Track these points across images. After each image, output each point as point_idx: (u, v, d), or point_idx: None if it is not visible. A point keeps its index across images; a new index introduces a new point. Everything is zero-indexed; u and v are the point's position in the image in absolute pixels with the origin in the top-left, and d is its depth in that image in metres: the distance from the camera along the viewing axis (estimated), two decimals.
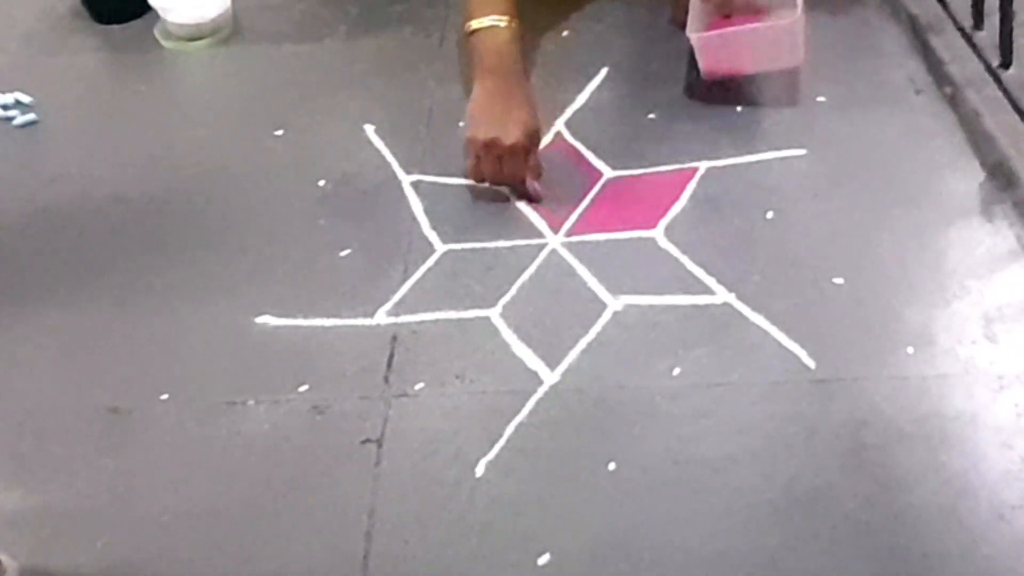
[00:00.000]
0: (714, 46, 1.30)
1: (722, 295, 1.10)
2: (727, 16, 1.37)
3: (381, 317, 1.12)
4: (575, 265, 1.16)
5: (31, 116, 1.48)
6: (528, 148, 1.22)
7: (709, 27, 1.34)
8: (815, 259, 1.12)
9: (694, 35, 1.29)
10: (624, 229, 1.19)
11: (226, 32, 1.63)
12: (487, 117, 1.23)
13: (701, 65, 1.32)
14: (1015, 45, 1.25)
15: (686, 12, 1.33)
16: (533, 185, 1.24)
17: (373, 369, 1.07)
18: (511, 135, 1.20)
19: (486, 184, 1.25)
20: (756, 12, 1.35)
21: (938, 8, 1.41)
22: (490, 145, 1.21)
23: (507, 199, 1.25)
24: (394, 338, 1.10)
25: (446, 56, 1.52)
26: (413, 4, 1.64)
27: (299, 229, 1.25)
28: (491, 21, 1.29)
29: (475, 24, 1.29)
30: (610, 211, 1.22)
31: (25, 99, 1.51)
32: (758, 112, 1.33)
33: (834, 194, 1.20)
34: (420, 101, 1.43)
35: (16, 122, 1.47)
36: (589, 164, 1.29)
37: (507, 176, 1.23)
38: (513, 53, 1.29)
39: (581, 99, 1.39)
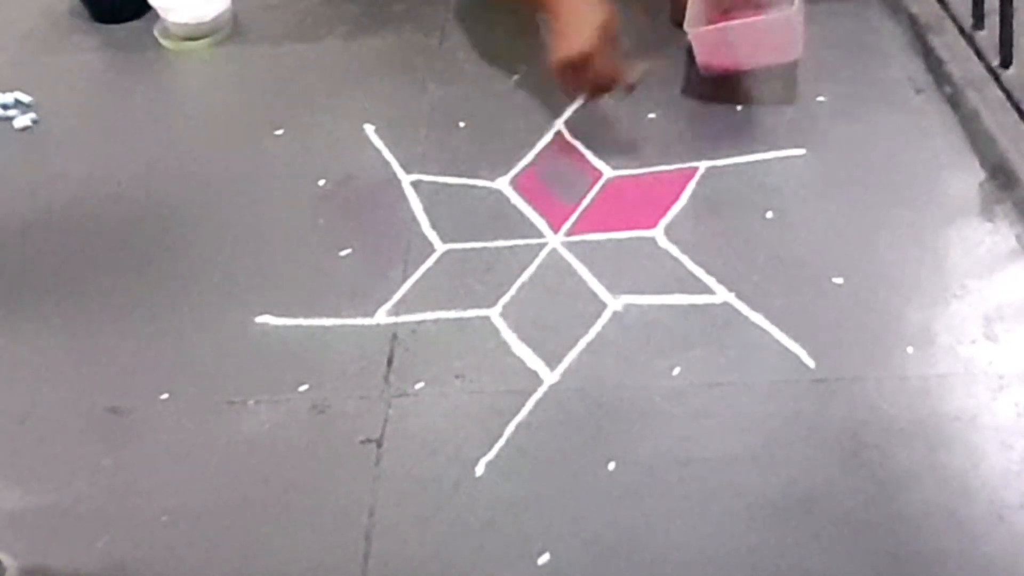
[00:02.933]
0: (711, 41, 1.30)
1: (722, 295, 1.10)
2: (725, 11, 1.37)
3: (381, 317, 1.12)
4: (575, 265, 1.16)
5: (31, 116, 1.48)
6: (600, 47, 1.19)
7: (707, 22, 1.34)
8: (815, 259, 1.12)
9: (691, 30, 1.29)
10: (624, 229, 1.19)
11: (226, 32, 1.63)
12: (557, 35, 1.22)
13: (698, 59, 1.32)
14: (1015, 45, 1.25)
15: (684, 12, 1.33)
16: (631, 78, 1.22)
17: (373, 369, 1.07)
18: (581, 43, 1.19)
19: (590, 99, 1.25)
20: (755, 7, 1.35)
21: (938, 8, 1.41)
22: (566, 63, 1.20)
23: (505, 198, 1.25)
24: (394, 338, 1.10)
25: (446, 56, 1.52)
26: (413, 4, 1.64)
27: (299, 229, 1.25)
28: None
29: None
30: (610, 211, 1.22)
31: (25, 99, 1.51)
32: (758, 112, 1.33)
33: (834, 194, 1.20)
34: (420, 101, 1.43)
35: (17, 124, 1.47)
36: (589, 164, 1.29)
37: (596, 85, 1.22)
38: None
39: (581, 99, 1.39)
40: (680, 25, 1.32)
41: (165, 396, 1.07)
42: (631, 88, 1.25)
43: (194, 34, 1.61)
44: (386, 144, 1.36)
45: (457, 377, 1.05)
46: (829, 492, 0.91)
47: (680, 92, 1.37)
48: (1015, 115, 1.21)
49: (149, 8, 1.64)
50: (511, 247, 1.19)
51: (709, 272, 1.12)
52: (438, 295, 1.14)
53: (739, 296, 1.09)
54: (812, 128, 1.29)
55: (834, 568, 0.86)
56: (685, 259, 1.14)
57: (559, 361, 1.05)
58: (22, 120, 1.47)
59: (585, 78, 1.22)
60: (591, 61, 1.20)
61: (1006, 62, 1.26)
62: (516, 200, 1.25)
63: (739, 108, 1.34)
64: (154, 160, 1.39)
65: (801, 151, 1.26)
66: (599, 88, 1.26)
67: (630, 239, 1.18)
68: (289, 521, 0.94)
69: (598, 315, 1.09)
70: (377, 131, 1.39)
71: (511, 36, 1.51)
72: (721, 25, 1.31)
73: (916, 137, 1.26)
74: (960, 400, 0.97)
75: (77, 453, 1.02)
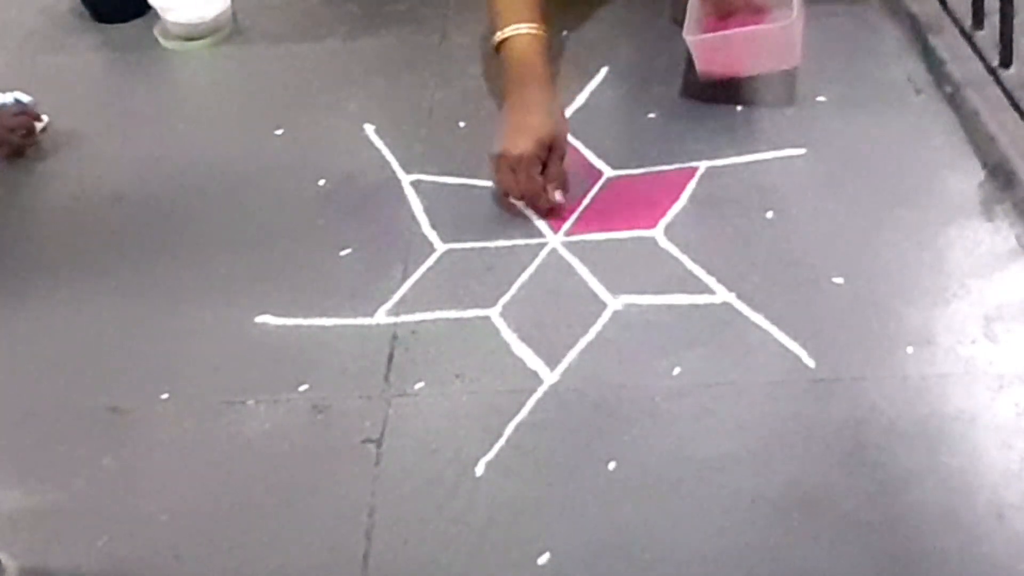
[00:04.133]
0: (710, 48, 1.30)
1: (722, 294, 1.10)
2: (725, 17, 1.37)
3: (381, 317, 1.12)
4: (575, 265, 1.16)
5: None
6: (537, 156, 1.18)
7: (707, 28, 1.34)
8: (815, 259, 1.12)
9: (690, 37, 1.29)
10: (624, 229, 1.19)
11: (226, 32, 1.63)
12: (501, 129, 1.21)
13: (697, 67, 1.32)
14: (1015, 45, 1.25)
15: (685, 11, 1.33)
16: (552, 196, 1.20)
17: (373, 369, 1.07)
18: (518, 145, 1.18)
19: (511, 199, 1.22)
20: (755, 12, 1.35)
21: (938, 8, 1.41)
22: (501, 158, 1.19)
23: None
24: (394, 337, 1.10)
25: (446, 56, 1.52)
26: (413, 4, 1.64)
27: (299, 229, 1.25)
28: (513, 30, 1.27)
29: (499, 35, 1.28)
30: (610, 211, 1.22)
31: (25, 98, 1.50)
32: (758, 112, 1.33)
33: (834, 194, 1.20)
34: (420, 101, 1.43)
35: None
36: (589, 164, 1.29)
37: (524, 187, 1.20)
38: (535, 61, 1.26)
39: (581, 99, 1.39)
40: (680, 24, 1.32)
41: (165, 396, 1.07)
42: (550, 211, 1.21)
43: (194, 34, 1.61)
44: (386, 144, 1.36)
45: (457, 377, 1.05)
46: (829, 492, 0.91)
47: (680, 92, 1.37)
48: (1015, 115, 1.21)
49: (149, 8, 1.64)
50: (511, 247, 1.19)
51: (709, 272, 1.12)
52: (438, 295, 1.14)
53: (739, 296, 1.09)
54: (812, 128, 1.29)
55: (834, 568, 0.86)
56: (685, 259, 1.14)
57: (559, 361, 1.05)
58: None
59: (509, 180, 1.20)
60: (520, 167, 1.18)
61: (1006, 62, 1.26)
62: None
63: (739, 108, 1.34)
64: (154, 160, 1.39)
65: (801, 151, 1.26)
66: (518, 194, 1.21)
67: (630, 239, 1.18)
68: (289, 521, 0.94)
69: (598, 315, 1.09)
70: (377, 131, 1.39)
71: None
72: (720, 34, 1.31)
73: (916, 137, 1.26)
74: (960, 400, 0.97)
75: (77, 453, 1.02)
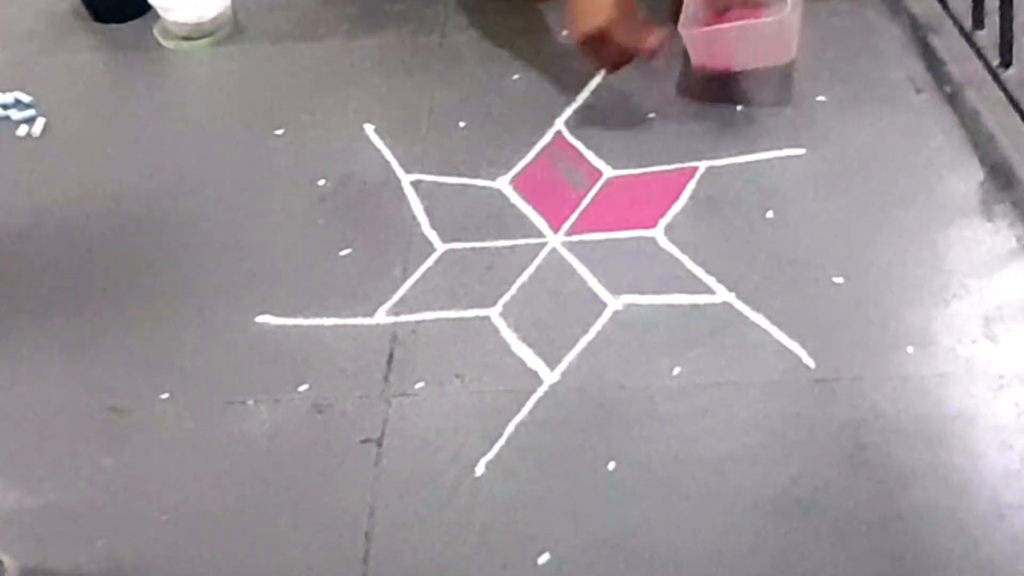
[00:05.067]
0: (704, 41, 1.31)
1: (722, 294, 1.10)
2: (722, 12, 1.37)
3: (381, 316, 1.12)
4: (575, 265, 1.16)
5: (30, 113, 1.48)
6: (615, 19, 1.21)
7: (703, 22, 1.34)
8: (815, 259, 1.12)
9: (684, 31, 1.29)
10: (624, 228, 1.19)
11: (226, 31, 1.63)
12: (571, 11, 1.24)
13: (692, 60, 1.32)
14: (1015, 45, 1.25)
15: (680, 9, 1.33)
16: (651, 41, 1.23)
17: (373, 368, 1.07)
18: (596, 18, 1.21)
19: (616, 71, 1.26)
20: (751, 7, 1.35)
21: (938, 8, 1.41)
22: (586, 38, 1.22)
23: (505, 198, 1.25)
24: (394, 337, 1.10)
25: (446, 56, 1.52)
26: (413, 4, 1.64)
27: (299, 229, 1.25)
28: None
29: None
30: (610, 210, 1.22)
31: (25, 98, 1.51)
32: (758, 112, 1.33)
33: (834, 194, 1.20)
34: (420, 101, 1.43)
35: (19, 132, 1.47)
36: (589, 164, 1.29)
37: (618, 56, 1.24)
38: None
39: (581, 99, 1.39)
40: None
41: (165, 396, 1.07)
42: (652, 55, 1.26)
43: (194, 34, 1.61)
44: (386, 144, 1.36)
45: (457, 377, 1.05)
46: (829, 492, 0.91)
47: (680, 92, 1.37)
48: (1015, 115, 1.21)
49: (149, 8, 1.63)
50: (511, 247, 1.19)
51: (709, 272, 1.12)
52: (438, 295, 1.14)
53: (739, 296, 1.09)
54: (812, 128, 1.29)
55: (834, 568, 0.86)
56: (685, 259, 1.14)
57: (559, 361, 1.05)
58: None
59: (606, 51, 1.24)
60: (610, 34, 1.22)
61: (1006, 62, 1.26)
62: (516, 200, 1.25)
63: (739, 108, 1.34)
64: (154, 160, 1.39)
65: (801, 151, 1.26)
66: (620, 60, 1.27)
67: (630, 239, 1.18)
68: (289, 521, 0.94)
69: (598, 315, 1.09)
70: (377, 131, 1.39)
71: (511, 36, 1.51)
72: (715, 27, 1.31)
73: (916, 137, 1.26)
74: (960, 400, 0.97)
75: (77, 453, 1.02)
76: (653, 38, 1.25)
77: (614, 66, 1.29)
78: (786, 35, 1.27)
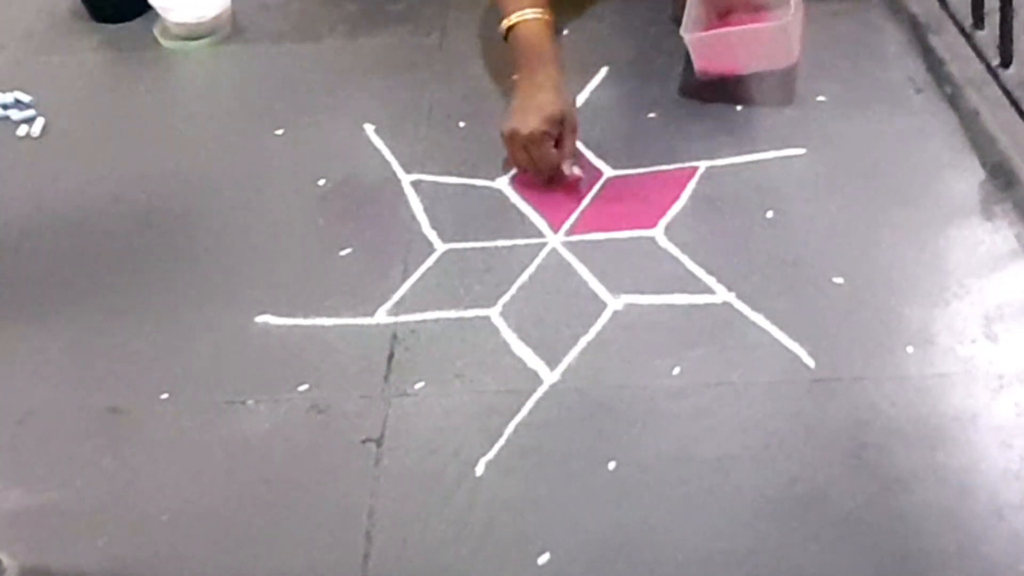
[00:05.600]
0: (707, 46, 1.31)
1: (722, 294, 1.10)
2: (724, 15, 1.37)
3: (381, 316, 1.12)
4: (575, 264, 1.16)
5: (30, 112, 1.48)
6: (547, 133, 1.21)
7: (705, 26, 1.34)
8: (815, 259, 1.12)
9: (687, 35, 1.29)
10: (624, 228, 1.19)
11: (226, 31, 1.63)
12: (512, 110, 1.24)
13: (695, 65, 1.32)
14: (1015, 45, 1.25)
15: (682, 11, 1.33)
16: (570, 169, 1.22)
17: (373, 368, 1.07)
18: (529, 123, 1.20)
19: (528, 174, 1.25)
20: (753, 10, 1.35)
21: (938, 8, 1.41)
22: (512, 136, 1.22)
23: (505, 198, 1.25)
24: (394, 337, 1.10)
25: (446, 56, 1.52)
26: (413, 4, 1.64)
27: (299, 229, 1.25)
28: (519, 16, 1.30)
29: (507, 22, 1.31)
30: (610, 210, 1.22)
31: (25, 98, 1.51)
32: (758, 112, 1.33)
33: (834, 194, 1.20)
34: (420, 101, 1.43)
35: (19, 132, 1.47)
36: (589, 164, 1.29)
37: (539, 164, 1.23)
38: (543, 43, 1.29)
39: (581, 99, 1.39)
40: (680, 23, 1.32)
41: (165, 396, 1.07)
42: (573, 180, 1.23)
43: (194, 34, 1.61)
44: (386, 144, 1.36)
45: (457, 377, 1.05)
46: (829, 492, 0.91)
47: (680, 92, 1.37)
48: (1015, 115, 1.21)
49: (149, 8, 1.63)
50: (511, 247, 1.19)
51: (709, 272, 1.12)
52: (438, 295, 1.14)
53: (739, 296, 1.09)
54: (812, 128, 1.29)
55: (834, 568, 0.86)
56: (685, 259, 1.14)
57: (559, 361, 1.05)
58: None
59: (525, 157, 1.23)
60: (531, 144, 1.21)
61: (1006, 62, 1.26)
62: (516, 200, 1.25)
63: (739, 108, 1.34)
64: (154, 160, 1.39)
65: (801, 151, 1.26)
66: (535, 171, 1.24)
67: (630, 239, 1.18)
68: (289, 521, 0.94)
69: (598, 315, 1.09)
70: (377, 131, 1.39)
71: None
72: (717, 31, 1.31)
73: (916, 137, 1.26)
74: (960, 400, 0.97)
75: (77, 453, 1.02)
76: (574, 169, 1.23)
77: (525, 173, 1.26)
78: (789, 38, 1.27)
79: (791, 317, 1.06)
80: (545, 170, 1.23)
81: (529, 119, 1.21)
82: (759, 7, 1.35)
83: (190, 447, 1.02)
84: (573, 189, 1.24)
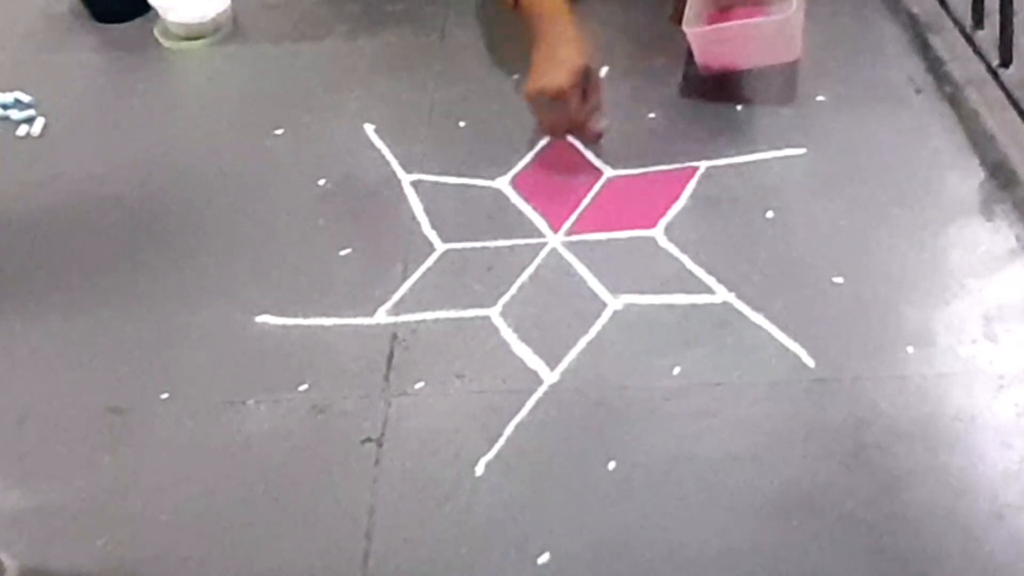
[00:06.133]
0: (709, 41, 1.31)
1: (722, 294, 1.10)
2: (725, 10, 1.37)
3: (381, 316, 1.12)
4: (575, 264, 1.16)
5: (30, 112, 1.48)
6: (574, 88, 1.19)
7: (707, 21, 1.34)
8: (815, 259, 1.12)
9: (689, 30, 1.29)
10: (624, 228, 1.19)
11: (226, 31, 1.63)
12: (534, 69, 1.22)
13: (697, 59, 1.32)
14: (1015, 45, 1.25)
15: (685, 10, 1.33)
16: (598, 124, 1.21)
17: (373, 368, 1.07)
18: (554, 80, 1.18)
19: (557, 138, 1.25)
20: (754, 5, 1.35)
21: (938, 8, 1.41)
22: (538, 95, 1.20)
23: (505, 198, 1.25)
24: (394, 337, 1.10)
25: (446, 55, 1.52)
26: (413, 3, 1.64)
27: (299, 229, 1.25)
28: None
29: None
30: (610, 210, 1.22)
31: (25, 98, 1.51)
32: (758, 111, 1.33)
33: (834, 194, 1.20)
34: (420, 101, 1.43)
35: (19, 132, 1.47)
36: (589, 163, 1.29)
37: (567, 121, 1.21)
38: (557, 2, 1.27)
39: (546, 137, 1.38)
40: (680, 23, 1.32)
41: (165, 396, 1.07)
42: (597, 137, 1.25)
43: (194, 34, 1.61)
44: (386, 144, 1.36)
45: (457, 377, 1.05)
46: (829, 492, 0.91)
47: (680, 92, 1.37)
48: (1015, 115, 1.21)
49: (149, 8, 1.63)
50: (511, 247, 1.19)
51: (709, 272, 1.12)
52: (438, 295, 1.14)
53: (739, 296, 1.09)
54: (812, 128, 1.29)
55: (834, 568, 0.86)
56: (685, 259, 1.14)
57: (559, 361, 1.05)
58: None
59: (552, 116, 1.22)
60: (560, 100, 1.20)
61: (1006, 62, 1.26)
62: (516, 200, 1.25)
63: (739, 108, 1.34)
64: (154, 160, 1.39)
65: (801, 151, 1.26)
66: (564, 129, 1.25)
67: (630, 239, 1.18)
68: (289, 521, 0.94)
69: (598, 315, 1.09)
70: (377, 131, 1.39)
71: (511, 36, 1.51)
72: (719, 26, 1.31)
73: (916, 137, 1.26)
74: (960, 400, 0.97)
75: (77, 453, 1.02)
76: (602, 122, 1.23)
77: (554, 133, 1.26)
78: (792, 33, 1.27)
79: (791, 317, 1.06)
80: (572, 126, 1.22)
81: (553, 76, 1.19)
82: (760, 2, 1.35)
83: (190, 447, 1.02)
84: (574, 175, 1.24)
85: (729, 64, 1.32)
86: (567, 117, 1.22)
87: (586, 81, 1.21)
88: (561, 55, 1.20)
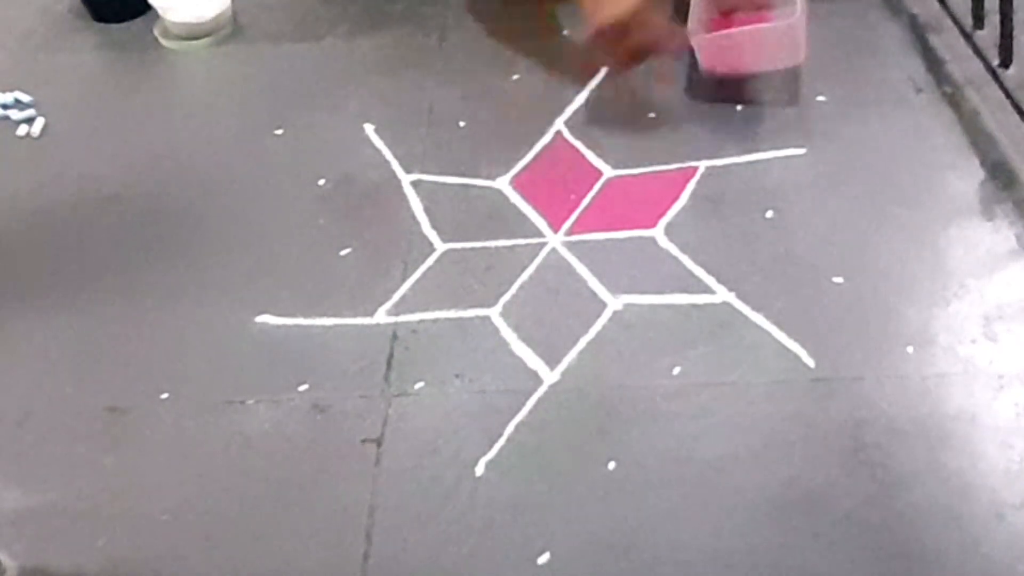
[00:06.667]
0: (714, 47, 1.30)
1: (722, 294, 1.10)
2: (728, 14, 1.37)
3: (381, 316, 1.12)
4: (575, 264, 1.16)
5: (30, 112, 1.48)
6: (640, 17, 1.16)
7: (711, 25, 1.34)
8: (815, 258, 1.12)
9: (694, 37, 1.29)
10: (624, 228, 1.19)
11: (226, 31, 1.63)
12: (588, 9, 1.18)
13: (702, 65, 1.32)
14: (1015, 45, 1.25)
15: (687, 10, 1.33)
16: (674, 45, 1.19)
17: (373, 368, 1.07)
18: (622, 4, 1.15)
19: (632, 70, 1.23)
20: (758, 9, 1.35)
21: (938, 8, 1.41)
22: (613, 27, 1.17)
23: (505, 198, 1.25)
24: (394, 337, 1.10)
25: (446, 55, 1.52)
26: (413, 3, 1.64)
27: (299, 229, 1.25)
28: None
29: None
30: (610, 210, 1.22)
31: (25, 98, 1.51)
32: (758, 111, 1.33)
33: (834, 193, 1.20)
34: (420, 100, 1.43)
35: (19, 132, 1.47)
36: (589, 163, 1.29)
37: (633, 53, 1.18)
38: None
39: (581, 98, 1.39)
40: (681, 22, 1.32)
41: (165, 396, 1.07)
42: (677, 55, 1.21)
43: (194, 34, 1.61)
44: (386, 144, 1.36)
45: (457, 377, 1.05)
46: (829, 492, 0.91)
47: (680, 92, 1.37)
48: (1015, 115, 1.21)
49: (149, 8, 1.63)
50: (511, 247, 1.19)
51: (709, 272, 1.12)
52: (438, 295, 1.14)
53: (739, 296, 1.09)
54: (812, 128, 1.29)
55: (834, 568, 0.86)
56: (685, 259, 1.14)
57: (559, 361, 1.05)
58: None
59: (624, 45, 1.17)
60: (631, 26, 1.16)
61: (1006, 62, 1.26)
62: (516, 200, 1.25)
63: (739, 108, 1.34)
64: (154, 160, 1.39)
65: (801, 151, 1.26)
66: (635, 57, 1.21)
67: (630, 239, 1.18)
68: (289, 521, 0.94)
69: (598, 315, 1.09)
70: (377, 131, 1.39)
71: (511, 36, 1.51)
72: (724, 32, 1.31)
73: (916, 137, 1.26)
74: (960, 400, 0.97)
75: (77, 453, 1.02)
76: (678, 37, 1.20)
77: (627, 63, 1.24)
78: (796, 38, 1.27)
79: (791, 317, 1.06)
80: (650, 50, 1.19)
81: (615, 6, 1.14)
82: (763, 5, 1.35)
83: (190, 447, 1.02)
84: (574, 175, 1.23)
85: (734, 69, 1.32)
86: (638, 44, 1.17)
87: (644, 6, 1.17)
88: None
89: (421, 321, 1.11)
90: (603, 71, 1.43)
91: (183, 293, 1.18)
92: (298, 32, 1.62)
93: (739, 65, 1.32)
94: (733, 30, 1.31)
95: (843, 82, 1.35)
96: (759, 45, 1.29)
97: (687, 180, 1.24)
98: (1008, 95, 1.23)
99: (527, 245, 1.19)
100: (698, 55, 1.31)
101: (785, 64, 1.32)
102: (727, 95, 1.35)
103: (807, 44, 1.29)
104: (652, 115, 1.35)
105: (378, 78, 1.49)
